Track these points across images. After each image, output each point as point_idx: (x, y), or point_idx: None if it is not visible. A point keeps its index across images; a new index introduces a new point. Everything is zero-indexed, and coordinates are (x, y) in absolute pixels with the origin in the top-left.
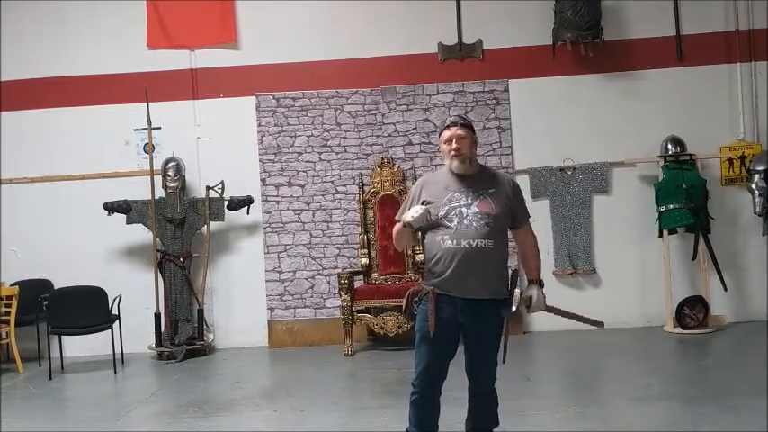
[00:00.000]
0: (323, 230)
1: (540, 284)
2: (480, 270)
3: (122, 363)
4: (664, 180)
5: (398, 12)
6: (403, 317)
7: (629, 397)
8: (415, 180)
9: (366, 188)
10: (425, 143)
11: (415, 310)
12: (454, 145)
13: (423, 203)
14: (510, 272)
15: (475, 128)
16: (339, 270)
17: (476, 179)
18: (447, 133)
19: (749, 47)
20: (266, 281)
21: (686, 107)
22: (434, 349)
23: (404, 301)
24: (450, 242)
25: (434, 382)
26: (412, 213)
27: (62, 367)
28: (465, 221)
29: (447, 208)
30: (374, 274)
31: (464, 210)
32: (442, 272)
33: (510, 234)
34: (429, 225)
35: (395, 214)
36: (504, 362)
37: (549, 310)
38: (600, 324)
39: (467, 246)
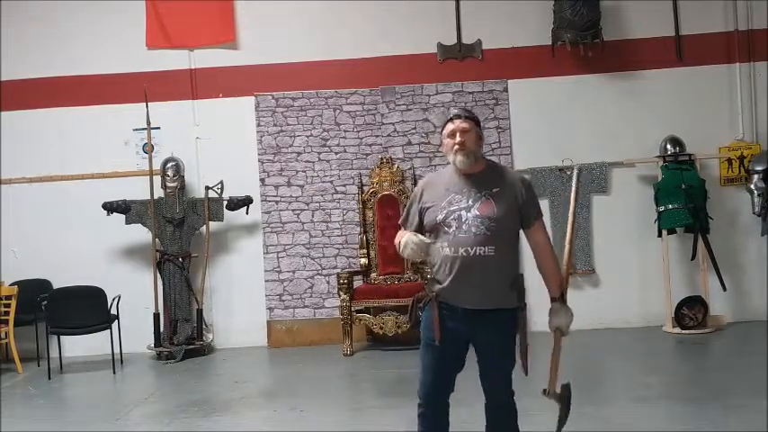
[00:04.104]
0: (322, 230)
1: (564, 300)
2: (480, 280)
3: (121, 363)
4: (663, 180)
5: (398, 12)
6: (407, 323)
7: (629, 397)
8: (415, 180)
9: (365, 188)
10: (425, 143)
11: (420, 317)
12: (458, 138)
13: (422, 208)
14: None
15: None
16: (338, 270)
17: (481, 178)
18: (450, 126)
19: (748, 47)
20: (265, 281)
21: (685, 107)
22: (438, 361)
23: (409, 306)
24: (447, 250)
25: (439, 396)
26: (405, 249)
27: (61, 367)
28: (464, 227)
29: (446, 212)
30: (373, 274)
31: (463, 213)
32: (442, 280)
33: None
34: (430, 229)
35: (394, 214)
36: (526, 374)
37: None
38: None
39: (464, 254)
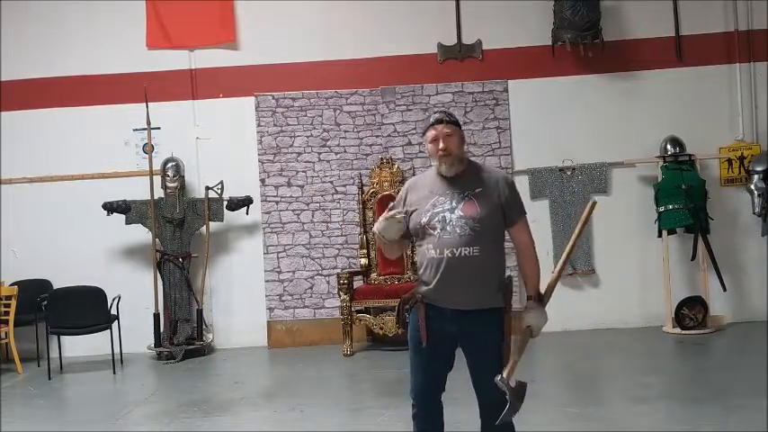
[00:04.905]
0: (322, 231)
1: (540, 300)
2: (466, 280)
3: (121, 363)
4: (663, 180)
5: (398, 12)
6: (396, 325)
7: (629, 397)
8: None
9: (365, 188)
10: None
11: (407, 319)
12: (441, 145)
13: (406, 212)
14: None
15: (474, 128)
16: (338, 270)
17: (463, 179)
18: (432, 132)
19: (748, 47)
20: (265, 281)
21: (685, 107)
22: (427, 362)
23: (396, 308)
24: (433, 251)
25: (431, 396)
26: (377, 225)
27: (61, 367)
28: (448, 228)
29: (430, 214)
30: (373, 275)
31: (447, 215)
32: (428, 282)
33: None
34: (415, 232)
35: None
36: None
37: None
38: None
39: (449, 255)
